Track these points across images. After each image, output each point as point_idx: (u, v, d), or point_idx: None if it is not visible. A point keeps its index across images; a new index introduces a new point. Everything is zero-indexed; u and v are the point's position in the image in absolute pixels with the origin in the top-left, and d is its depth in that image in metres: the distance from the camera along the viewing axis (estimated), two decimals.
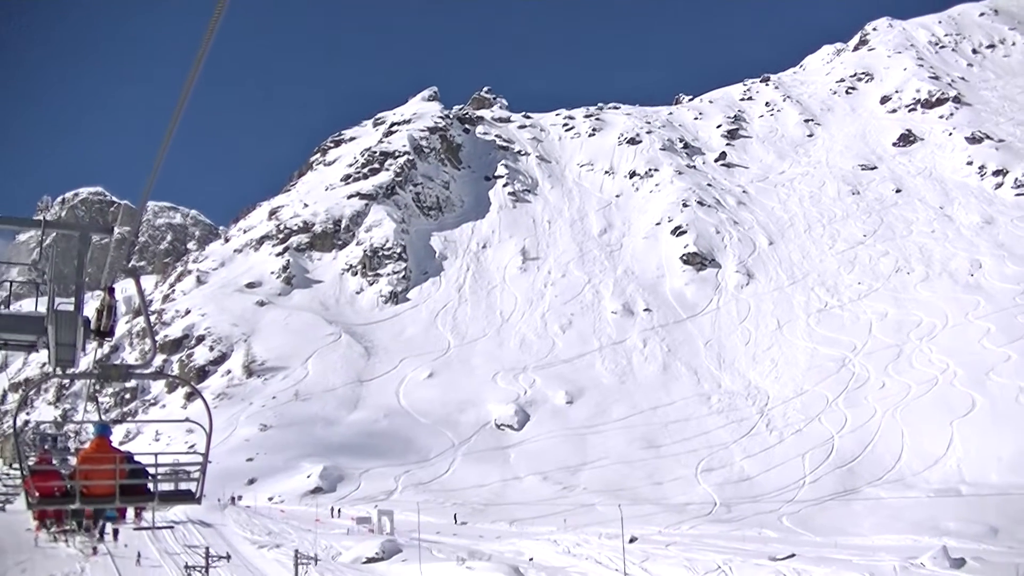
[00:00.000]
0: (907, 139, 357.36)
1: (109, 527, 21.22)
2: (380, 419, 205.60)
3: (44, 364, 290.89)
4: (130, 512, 17.10)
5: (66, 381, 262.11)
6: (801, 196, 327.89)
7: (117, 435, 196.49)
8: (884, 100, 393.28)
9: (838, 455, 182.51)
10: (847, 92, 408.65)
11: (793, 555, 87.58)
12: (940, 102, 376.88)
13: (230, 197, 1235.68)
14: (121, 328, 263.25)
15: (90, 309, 14.76)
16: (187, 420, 17.55)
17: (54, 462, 17.77)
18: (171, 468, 14.35)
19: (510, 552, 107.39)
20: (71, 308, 14.56)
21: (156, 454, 13.93)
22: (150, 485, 13.84)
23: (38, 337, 15.68)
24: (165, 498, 14.13)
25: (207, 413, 14.06)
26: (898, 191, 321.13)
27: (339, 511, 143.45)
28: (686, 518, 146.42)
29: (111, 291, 14.16)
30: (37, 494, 13.48)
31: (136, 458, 14.35)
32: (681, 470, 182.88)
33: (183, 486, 14.30)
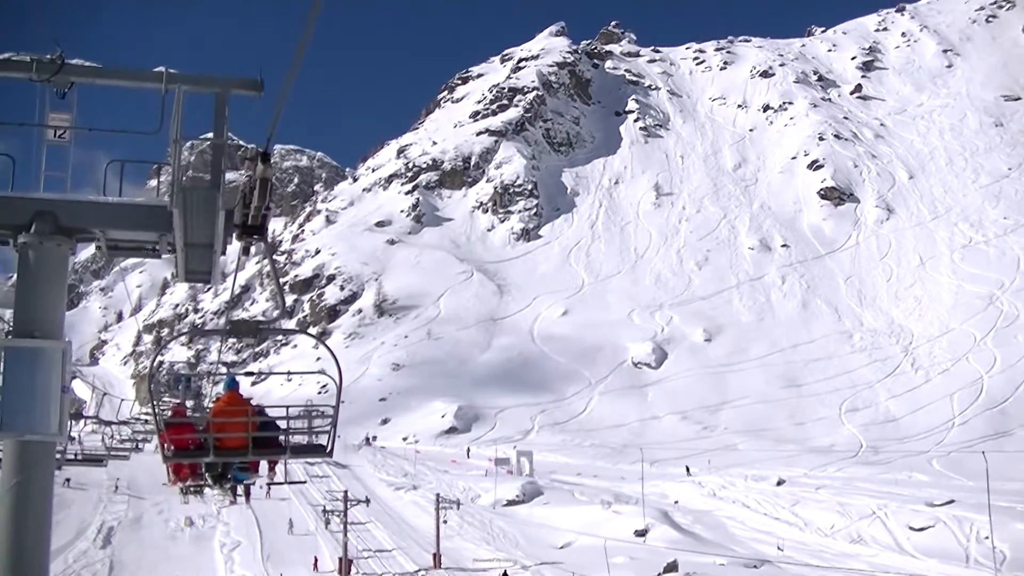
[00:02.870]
0: None
1: (240, 488, 20.14)
2: (514, 357, 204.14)
3: (177, 306, 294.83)
4: (263, 467, 15.64)
5: (199, 320, 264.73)
6: (941, 129, 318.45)
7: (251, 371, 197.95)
8: None
9: (988, 396, 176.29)
10: (987, 20, 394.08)
11: (952, 501, 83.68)
12: None
13: (356, 138, 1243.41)
14: (250, 269, 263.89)
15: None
16: (319, 372, 15.67)
17: (188, 414, 16.16)
18: (302, 421, 13.88)
19: (653, 494, 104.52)
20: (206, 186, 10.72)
21: (287, 407, 13.77)
22: (281, 438, 13.71)
23: (160, 235, 11.54)
24: (297, 451, 13.68)
25: (336, 365, 12.70)
26: None
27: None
28: (832, 460, 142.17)
29: (265, 158, 9.82)
30: (172, 447, 13.29)
31: (267, 411, 14.49)
32: (824, 410, 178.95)
33: (315, 438, 13.88)
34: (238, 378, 15.43)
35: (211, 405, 15.59)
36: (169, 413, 15.04)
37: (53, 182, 11.33)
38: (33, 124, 11.13)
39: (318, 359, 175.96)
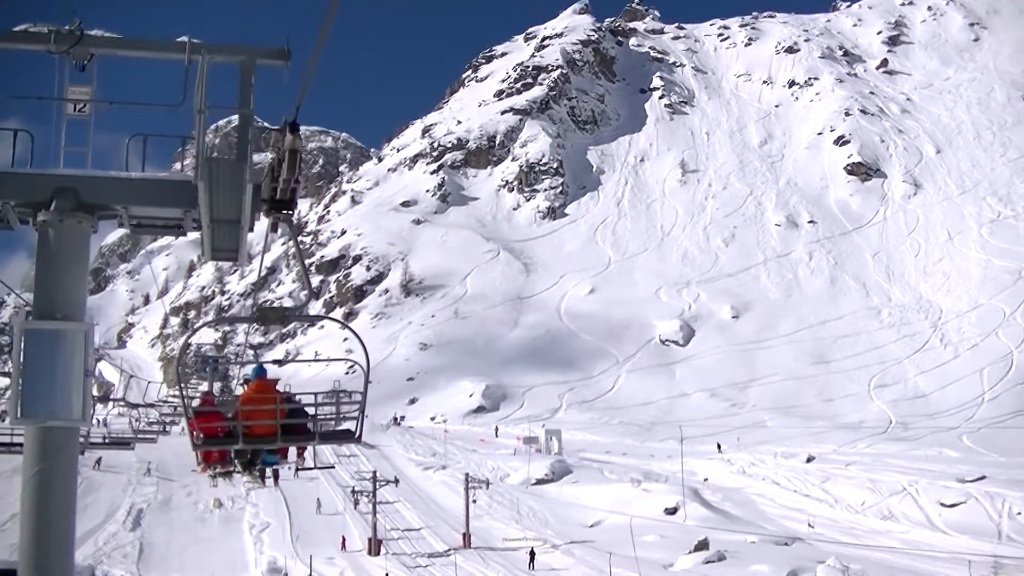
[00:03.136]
0: None
1: (269, 471, 20.44)
2: (541, 336, 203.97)
3: (203, 288, 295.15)
4: (292, 451, 15.66)
5: (226, 302, 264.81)
6: (968, 103, 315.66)
7: (278, 352, 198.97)
8: None
9: (1018, 371, 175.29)
10: None
11: (983, 477, 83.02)
12: None
13: (380, 119, 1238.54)
14: (276, 250, 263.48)
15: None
16: (346, 357, 15.58)
17: (216, 401, 16.12)
18: (330, 407, 13.83)
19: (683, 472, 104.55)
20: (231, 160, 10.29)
21: (316, 394, 13.87)
22: (310, 424, 13.72)
23: (185, 211, 11.05)
24: (325, 437, 13.86)
25: (364, 352, 12.48)
26: None
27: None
28: (861, 436, 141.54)
29: (294, 128, 9.38)
30: (202, 435, 13.30)
31: (296, 398, 14.49)
32: (853, 386, 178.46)
33: (343, 424, 14.19)
34: (266, 365, 15.05)
35: (240, 389, 15.38)
36: (198, 401, 14.93)
37: (73, 158, 10.86)
38: (52, 98, 10.72)
39: (345, 339, 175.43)
